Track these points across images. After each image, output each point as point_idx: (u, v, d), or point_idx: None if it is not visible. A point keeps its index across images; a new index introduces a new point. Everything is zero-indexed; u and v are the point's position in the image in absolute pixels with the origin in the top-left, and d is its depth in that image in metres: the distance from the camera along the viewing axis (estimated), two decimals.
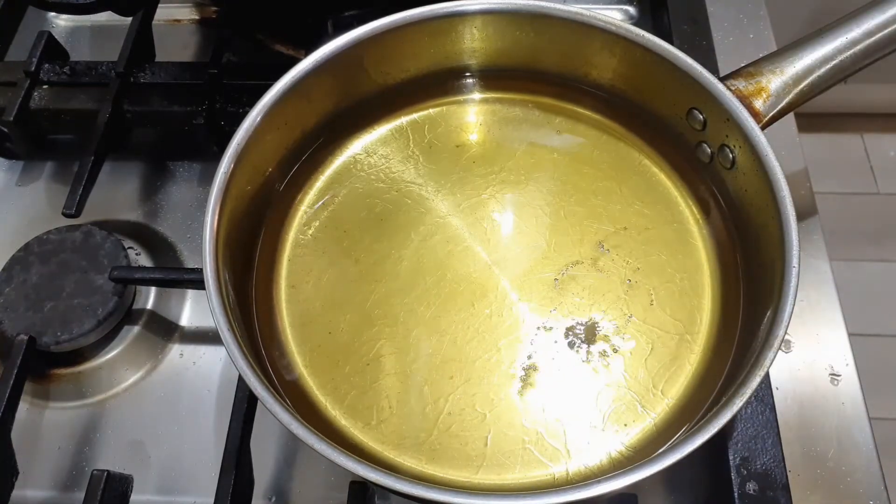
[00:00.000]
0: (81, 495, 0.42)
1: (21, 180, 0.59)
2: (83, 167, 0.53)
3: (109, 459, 0.47)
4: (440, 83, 0.52)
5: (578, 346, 0.44)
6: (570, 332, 0.44)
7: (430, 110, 0.52)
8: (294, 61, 0.47)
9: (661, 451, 0.36)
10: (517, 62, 0.51)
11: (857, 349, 0.48)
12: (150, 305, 0.52)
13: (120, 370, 0.50)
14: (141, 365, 0.50)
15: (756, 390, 0.36)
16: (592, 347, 0.44)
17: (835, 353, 0.48)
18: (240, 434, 0.43)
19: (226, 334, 0.38)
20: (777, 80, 0.45)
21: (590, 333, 0.44)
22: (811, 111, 0.57)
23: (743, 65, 0.46)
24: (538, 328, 0.44)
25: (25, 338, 0.48)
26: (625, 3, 0.67)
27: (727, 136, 0.45)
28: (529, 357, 0.43)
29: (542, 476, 0.40)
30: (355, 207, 0.49)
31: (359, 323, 0.45)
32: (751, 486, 0.41)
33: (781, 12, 0.71)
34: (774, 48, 0.55)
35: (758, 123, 0.43)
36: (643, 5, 0.66)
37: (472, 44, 0.50)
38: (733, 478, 0.41)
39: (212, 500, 0.41)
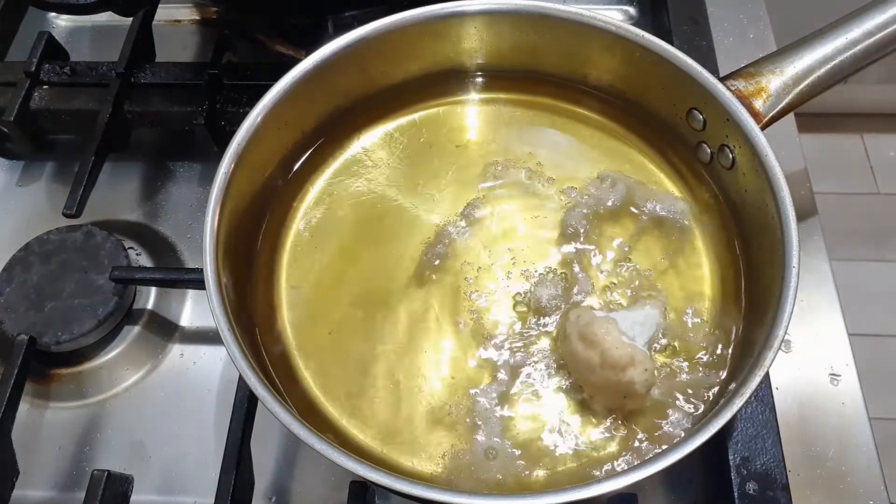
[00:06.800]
0: (82, 495, 0.42)
1: (21, 180, 0.60)
2: (83, 167, 0.53)
3: (110, 459, 0.47)
4: (440, 83, 0.52)
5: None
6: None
7: (431, 110, 0.52)
8: (294, 61, 0.47)
9: (661, 450, 0.36)
10: (517, 63, 0.51)
11: (857, 349, 0.48)
12: (150, 305, 0.52)
13: (120, 370, 0.50)
14: (141, 365, 0.50)
15: (756, 390, 0.36)
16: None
17: (835, 353, 0.48)
18: (240, 434, 0.43)
19: (226, 334, 0.38)
20: (777, 81, 0.45)
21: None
22: (811, 111, 0.57)
23: (743, 65, 0.46)
24: (538, 328, 0.44)
25: (26, 338, 0.48)
26: (625, 4, 0.67)
27: (727, 136, 0.45)
28: (534, 358, 0.43)
29: (542, 477, 0.40)
30: (355, 207, 0.49)
31: (359, 323, 0.45)
32: (751, 486, 0.41)
33: (781, 12, 0.71)
34: (774, 48, 0.55)
35: (758, 124, 0.43)
36: (643, 5, 0.66)
37: (473, 44, 0.50)
38: (733, 478, 0.41)
39: (212, 500, 0.41)
